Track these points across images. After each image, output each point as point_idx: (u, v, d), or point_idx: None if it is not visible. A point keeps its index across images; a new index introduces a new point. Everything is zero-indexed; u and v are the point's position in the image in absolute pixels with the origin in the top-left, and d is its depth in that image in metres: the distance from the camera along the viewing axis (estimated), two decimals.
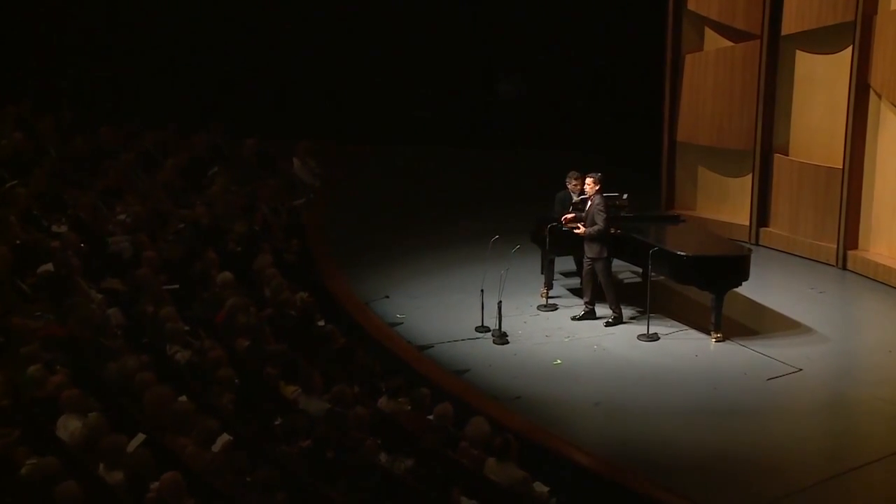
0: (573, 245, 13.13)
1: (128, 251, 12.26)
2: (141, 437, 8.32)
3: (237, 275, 11.78)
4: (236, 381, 9.56)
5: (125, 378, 9.25)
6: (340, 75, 20.19)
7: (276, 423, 8.92)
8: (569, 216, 13.01)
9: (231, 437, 8.45)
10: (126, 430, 8.37)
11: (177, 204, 14.00)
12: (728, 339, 12.51)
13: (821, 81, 15.08)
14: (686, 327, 12.86)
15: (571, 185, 13.56)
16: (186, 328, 10.48)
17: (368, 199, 17.49)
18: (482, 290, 12.55)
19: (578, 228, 12.85)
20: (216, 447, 8.35)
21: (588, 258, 12.87)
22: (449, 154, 19.48)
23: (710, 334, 12.53)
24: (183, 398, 8.94)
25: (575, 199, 13.46)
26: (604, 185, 12.79)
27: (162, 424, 8.56)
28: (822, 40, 14.94)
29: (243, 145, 16.44)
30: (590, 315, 13.02)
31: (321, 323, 11.49)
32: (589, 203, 12.80)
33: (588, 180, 12.79)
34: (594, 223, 12.71)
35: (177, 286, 11.57)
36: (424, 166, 19.05)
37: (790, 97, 15.45)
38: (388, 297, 13.71)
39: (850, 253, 14.83)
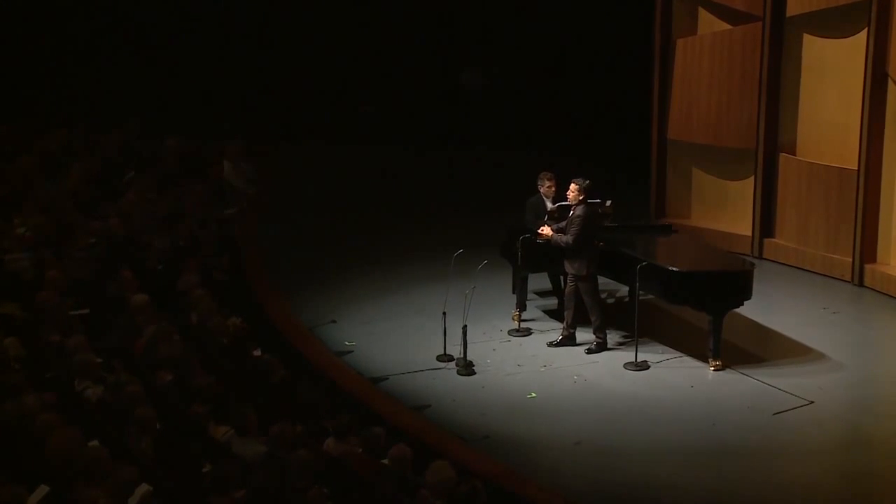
0: (549, 260, 13.14)
1: (28, 271, 12.15)
2: (44, 489, 8.22)
3: (158, 297, 11.70)
4: (157, 421, 9.47)
5: (25, 419, 9.14)
6: (277, 65, 20.16)
7: (205, 470, 8.84)
8: (545, 230, 12.98)
9: (151, 488, 8.37)
10: (26, 482, 8.26)
11: (86, 215, 13.89)
12: (728, 367, 12.56)
13: (832, 70, 15.20)
14: (680, 354, 12.91)
15: (545, 187, 13.55)
16: (98, 360, 10.38)
17: (312, 209, 17.44)
18: (444, 313, 12.54)
19: (548, 232, 12.82)
20: (134, 500, 8.27)
21: (571, 276, 12.88)
22: (402, 155, 19.48)
23: (707, 362, 12.57)
24: (94, 443, 8.84)
25: (550, 205, 13.48)
26: (589, 194, 12.79)
27: (69, 474, 8.46)
28: (833, 22, 15.07)
29: (164, 146, 16.35)
30: (569, 341, 13.04)
31: (257, 352, 11.42)
32: (571, 212, 12.80)
33: (572, 186, 12.77)
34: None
35: (87, 311, 11.47)
36: (375, 169, 19.03)
37: (797, 88, 15.57)
38: (335, 321, 13.68)
39: (868, 267, 14.94)
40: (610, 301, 14.28)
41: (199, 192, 15.34)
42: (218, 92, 19.61)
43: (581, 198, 12.71)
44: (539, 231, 12.96)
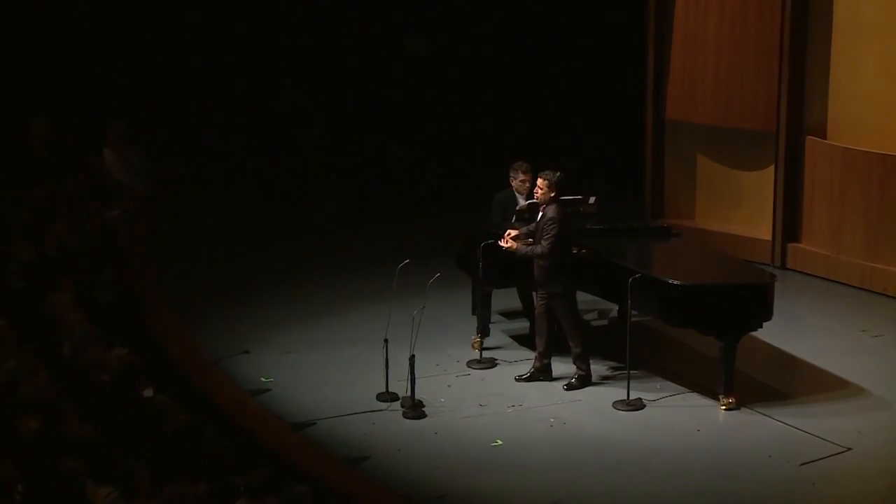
0: (518, 272, 13.13)
1: None
2: None
3: (20, 323, 11.61)
4: (20, 482, 9.40)
5: None
6: (171, 27, 20.11)
7: None
8: (513, 233, 12.99)
9: None
10: None
11: None
12: (744, 405, 12.61)
13: (871, 31, 15.30)
14: (683, 389, 12.94)
15: (518, 181, 13.56)
16: None
17: (218, 208, 17.38)
18: (386, 341, 12.52)
19: (509, 243, 12.82)
20: None
21: (541, 293, 12.89)
22: (330, 139, 19.46)
23: (717, 399, 12.62)
24: None
25: (522, 202, 13.47)
26: (561, 189, 12.78)
27: None
28: None
29: (27, 130, 16.26)
30: (543, 373, 13.05)
31: (149, 392, 11.36)
32: (540, 214, 12.81)
33: (539, 182, 12.77)
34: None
35: None
36: (296, 157, 19.01)
37: (827, 54, 15.67)
38: (248, 352, 13.64)
39: None
40: (595, 323, 14.29)
41: (72, 188, 15.26)
42: (97, 63, 19.52)
43: (552, 195, 12.70)
44: (508, 237, 12.94)
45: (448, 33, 20.93)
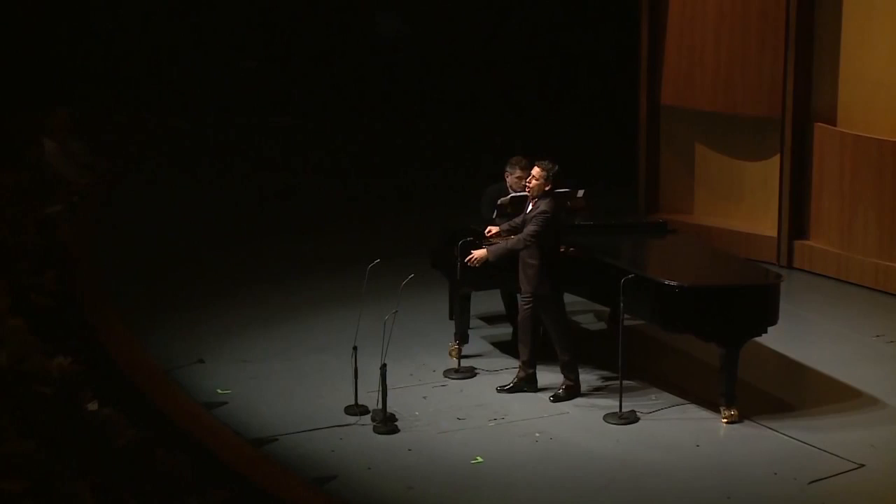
0: (500, 273, 13.12)
1: None
2: None
3: None
4: None
5: None
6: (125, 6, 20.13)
7: None
8: (494, 229, 12.98)
9: None
10: None
11: None
12: (747, 418, 12.62)
13: (884, 9, 15.34)
14: (681, 401, 12.95)
15: (514, 177, 13.50)
16: None
17: (171, 204, 17.34)
18: (355, 348, 12.49)
19: (475, 257, 12.79)
20: None
21: (526, 295, 12.88)
22: (296, 125, 19.43)
23: (718, 412, 12.62)
24: None
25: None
26: (557, 183, 12.77)
27: None
28: None
29: None
30: (527, 384, 13.04)
31: (94, 406, 11.33)
32: (530, 207, 12.79)
33: (536, 171, 12.71)
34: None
35: None
36: (258, 146, 18.97)
37: (837, 35, 15.70)
38: (203, 361, 13.62)
39: None
40: (584, 328, 14.27)
41: (10, 181, 15.23)
42: (36, 46, 19.49)
43: (547, 188, 12.69)
44: (489, 234, 12.93)
45: (427, 18, 20.97)
